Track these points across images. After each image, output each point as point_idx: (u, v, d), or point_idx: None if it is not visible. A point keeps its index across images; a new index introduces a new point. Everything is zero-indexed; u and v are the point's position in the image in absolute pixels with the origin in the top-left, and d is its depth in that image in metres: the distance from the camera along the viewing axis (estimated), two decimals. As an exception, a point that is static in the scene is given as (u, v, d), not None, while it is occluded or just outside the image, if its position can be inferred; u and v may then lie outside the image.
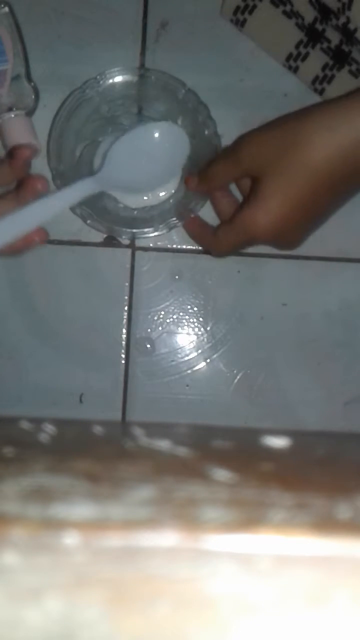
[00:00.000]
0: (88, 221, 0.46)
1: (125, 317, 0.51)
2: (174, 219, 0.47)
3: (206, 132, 0.46)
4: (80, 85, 0.46)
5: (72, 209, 0.46)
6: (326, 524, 0.15)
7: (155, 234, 0.47)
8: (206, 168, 0.45)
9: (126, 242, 0.51)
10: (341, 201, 0.43)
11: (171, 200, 0.49)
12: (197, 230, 0.47)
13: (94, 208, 0.47)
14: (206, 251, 0.50)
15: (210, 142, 0.46)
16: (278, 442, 0.20)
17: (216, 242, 0.45)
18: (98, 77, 0.46)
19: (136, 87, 0.47)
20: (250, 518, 0.15)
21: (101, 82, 0.46)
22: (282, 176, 0.40)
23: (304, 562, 0.14)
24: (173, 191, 0.49)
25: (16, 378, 0.51)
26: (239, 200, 0.47)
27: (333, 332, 0.52)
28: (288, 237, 0.43)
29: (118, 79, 0.46)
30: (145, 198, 0.49)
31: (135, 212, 0.50)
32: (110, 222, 0.47)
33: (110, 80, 0.46)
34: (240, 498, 0.16)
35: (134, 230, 0.47)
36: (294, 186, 0.40)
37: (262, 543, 0.15)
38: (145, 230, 0.47)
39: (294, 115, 0.41)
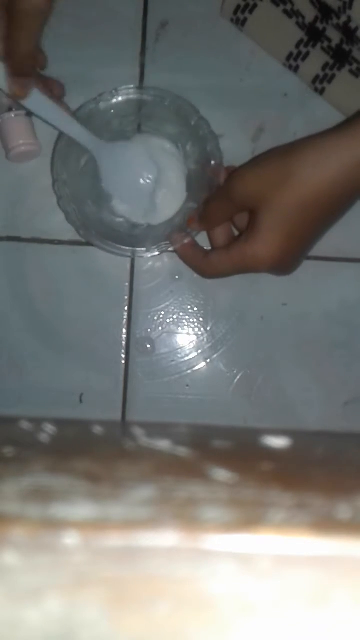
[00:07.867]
0: (81, 232, 0.46)
1: (125, 317, 0.51)
2: (167, 242, 0.47)
3: (212, 163, 0.46)
4: (95, 97, 0.46)
5: (67, 217, 0.46)
6: (326, 524, 0.15)
7: (147, 255, 0.47)
8: (203, 208, 0.46)
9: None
10: (335, 222, 0.44)
11: (168, 224, 0.49)
12: (188, 251, 0.48)
13: (89, 219, 0.47)
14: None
15: (215, 171, 0.47)
16: (278, 442, 0.20)
17: (209, 266, 0.46)
18: (113, 91, 0.46)
19: (150, 107, 0.47)
20: (250, 518, 0.15)
21: (116, 97, 0.46)
22: (276, 212, 0.41)
23: (303, 562, 0.14)
24: (173, 215, 0.49)
25: (16, 378, 0.51)
26: (231, 227, 0.47)
27: (333, 332, 0.52)
28: (286, 266, 0.45)
29: (133, 96, 0.47)
30: (143, 221, 0.49)
31: (131, 229, 0.50)
32: (104, 236, 0.47)
33: (125, 97, 0.47)
34: (240, 498, 0.16)
35: (126, 248, 0.47)
36: (288, 222, 0.41)
37: (262, 543, 0.15)
38: (138, 249, 0.47)
39: (284, 150, 0.42)
